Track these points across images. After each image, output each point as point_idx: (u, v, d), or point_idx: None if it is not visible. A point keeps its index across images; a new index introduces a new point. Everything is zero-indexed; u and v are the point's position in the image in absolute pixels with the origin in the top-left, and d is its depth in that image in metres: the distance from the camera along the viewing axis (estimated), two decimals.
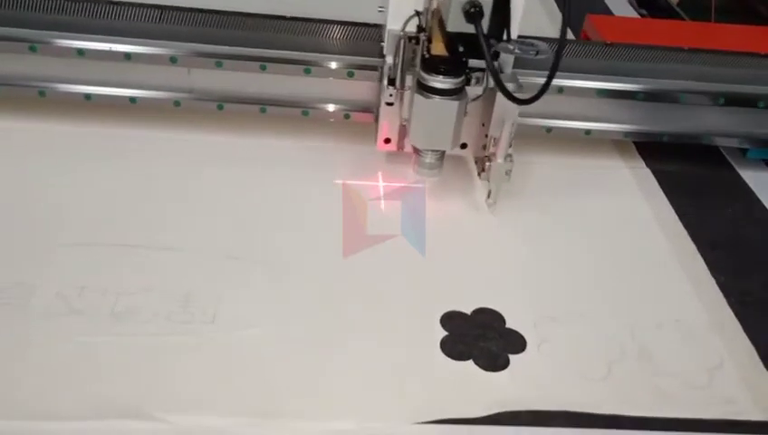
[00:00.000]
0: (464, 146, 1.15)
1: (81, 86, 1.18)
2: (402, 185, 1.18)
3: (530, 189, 1.18)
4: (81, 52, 1.14)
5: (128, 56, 1.15)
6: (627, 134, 1.28)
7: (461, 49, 0.99)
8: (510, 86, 0.99)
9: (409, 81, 1.09)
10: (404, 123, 1.13)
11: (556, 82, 1.18)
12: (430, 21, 1.05)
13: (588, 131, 1.26)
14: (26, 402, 0.77)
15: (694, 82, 1.27)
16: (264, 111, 1.21)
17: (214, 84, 1.19)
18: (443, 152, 1.14)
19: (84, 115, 1.22)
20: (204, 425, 0.77)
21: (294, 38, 1.23)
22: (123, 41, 1.15)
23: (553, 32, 1.50)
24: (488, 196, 1.13)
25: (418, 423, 0.80)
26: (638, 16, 1.96)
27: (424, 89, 1.05)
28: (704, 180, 1.29)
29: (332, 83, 1.19)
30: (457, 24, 0.96)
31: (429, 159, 1.14)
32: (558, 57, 0.94)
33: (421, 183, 1.17)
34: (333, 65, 1.18)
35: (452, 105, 1.05)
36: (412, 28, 1.07)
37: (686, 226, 1.14)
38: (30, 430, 0.76)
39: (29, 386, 0.79)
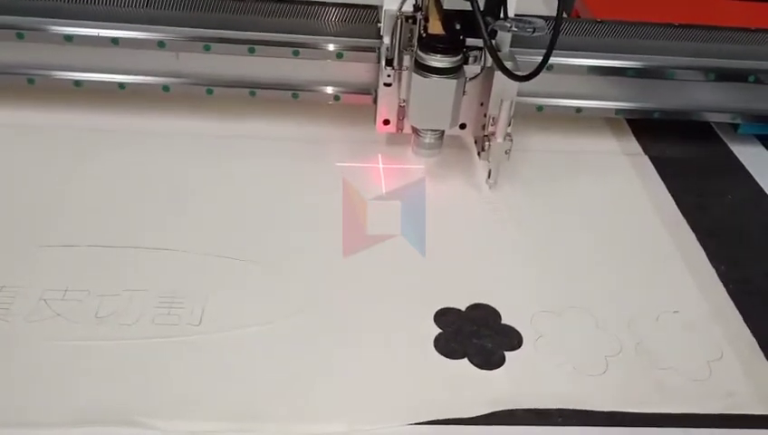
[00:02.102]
0: (463, 126, 1.14)
1: (70, 73, 1.17)
2: (400, 167, 1.18)
3: (524, 177, 1.17)
4: (68, 37, 1.13)
5: (115, 41, 1.14)
6: (618, 111, 1.27)
7: (458, 27, 0.99)
8: (508, 64, 0.99)
9: (407, 61, 1.09)
10: (402, 104, 1.13)
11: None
12: None
13: (579, 109, 1.25)
14: (9, 409, 0.76)
15: (684, 58, 1.26)
16: (254, 94, 1.19)
17: (203, 68, 1.18)
18: (442, 132, 1.14)
19: (66, 107, 1.21)
20: (192, 430, 0.76)
21: (283, 20, 1.22)
22: (111, 26, 1.14)
23: (547, 10, 1.50)
24: (488, 176, 1.13)
25: (411, 424, 0.78)
26: None
27: (422, 68, 1.05)
28: (696, 159, 1.28)
29: (322, 65, 1.18)
30: (454, 1, 0.96)
31: (428, 139, 1.14)
32: (555, 34, 0.94)
33: (420, 165, 1.18)
34: (323, 47, 1.17)
35: (450, 84, 1.05)
36: (408, 8, 1.06)
37: (683, 210, 1.13)
38: None
39: (12, 392, 0.78)
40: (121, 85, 1.18)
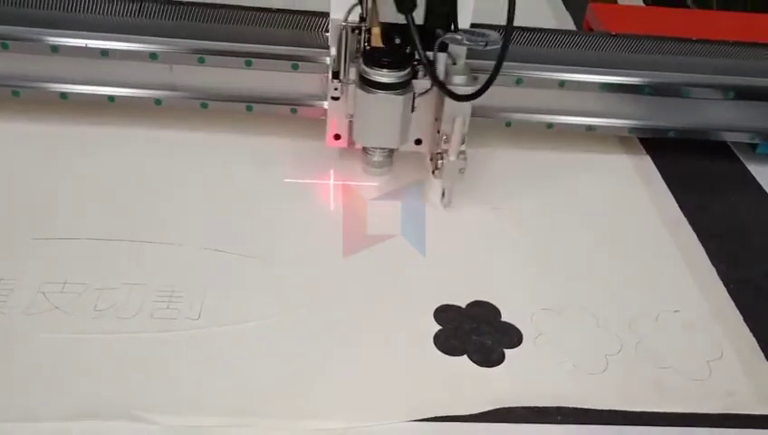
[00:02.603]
0: (418, 142, 1.09)
1: (56, 84, 1.14)
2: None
3: (527, 177, 1.15)
4: (54, 48, 1.10)
5: (105, 53, 1.11)
6: (631, 130, 1.24)
7: (398, 41, 0.95)
8: (460, 79, 0.96)
9: (353, 74, 1.03)
10: (351, 119, 1.06)
11: (557, 75, 1.15)
12: (370, 9, 0.98)
13: (590, 127, 1.22)
14: (7, 402, 0.75)
15: (701, 75, 1.23)
16: (251, 108, 1.16)
17: (197, 81, 1.15)
18: (392, 150, 1.09)
19: (63, 112, 1.18)
20: (191, 425, 0.75)
21: (282, 32, 1.19)
22: (100, 36, 1.11)
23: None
24: (442, 195, 1.08)
25: (410, 421, 0.77)
26: (644, 4, 1.90)
27: (366, 83, 1.00)
28: (711, 175, 1.25)
29: (322, 79, 1.14)
30: (390, 14, 0.92)
31: (377, 157, 1.10)
32: (505, 48, 0.90)
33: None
34: (323, 61, 1.13)
35: (397, 100, 1.00)
36: (356, 17, 1.00)
37: (688, 216, 1.12)
38: (11, 430, 0.73)
39: (10, 385, 0.77)
40: (111, 98, 1.15)
